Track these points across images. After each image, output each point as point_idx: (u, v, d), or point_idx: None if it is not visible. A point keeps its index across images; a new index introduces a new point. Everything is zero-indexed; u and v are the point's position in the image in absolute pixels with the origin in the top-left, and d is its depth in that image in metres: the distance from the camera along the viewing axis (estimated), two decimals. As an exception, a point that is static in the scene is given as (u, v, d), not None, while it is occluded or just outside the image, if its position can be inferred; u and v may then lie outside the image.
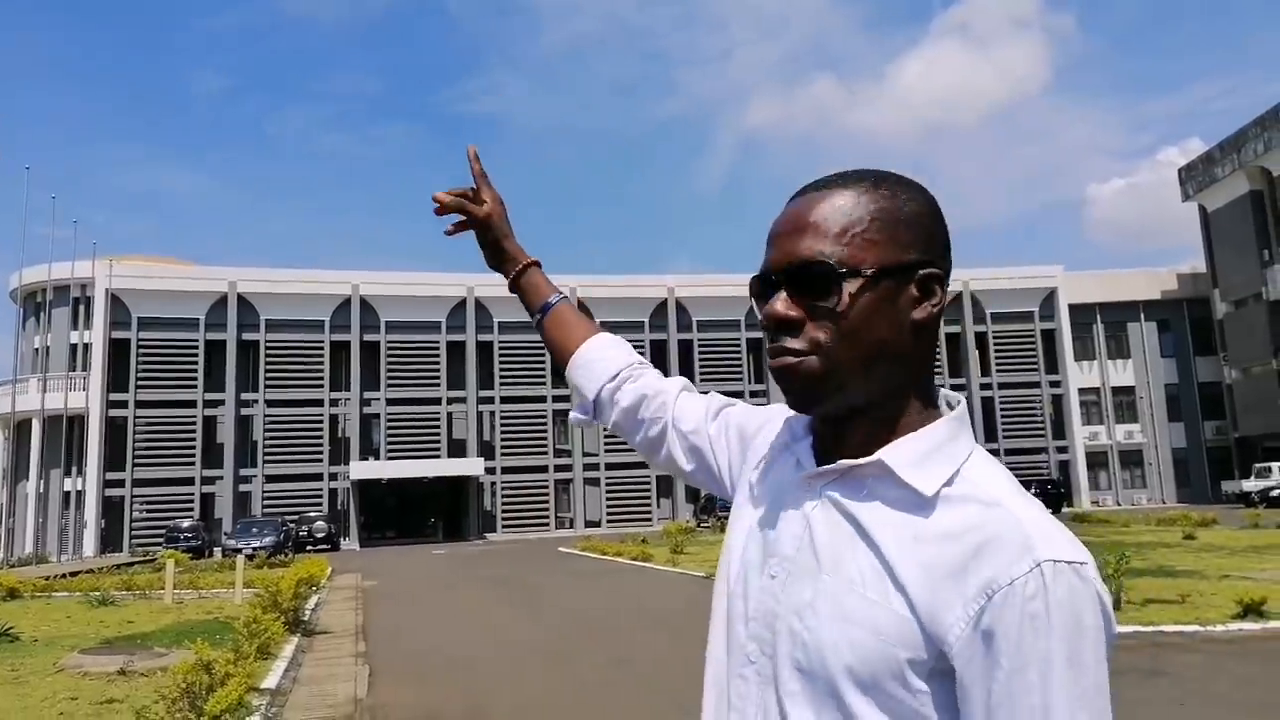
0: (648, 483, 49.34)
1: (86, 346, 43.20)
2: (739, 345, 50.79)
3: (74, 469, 41.87)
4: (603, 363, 1.32)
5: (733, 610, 0.96)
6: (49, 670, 8.87)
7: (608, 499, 48.67)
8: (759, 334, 51.01)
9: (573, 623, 12.13)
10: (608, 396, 1.31)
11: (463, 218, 1.41)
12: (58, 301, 42.90)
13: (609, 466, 48.76)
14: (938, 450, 0.88)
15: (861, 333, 0.88)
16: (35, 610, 14.57)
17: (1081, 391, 51.14)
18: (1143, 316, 52.95)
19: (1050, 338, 51.27)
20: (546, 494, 47.99)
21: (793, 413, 1.01)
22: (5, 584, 17.17)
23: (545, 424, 48.36)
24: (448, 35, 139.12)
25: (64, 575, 22.48)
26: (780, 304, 0.91)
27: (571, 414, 1.41)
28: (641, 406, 1.27)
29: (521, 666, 9.00)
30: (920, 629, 0.81)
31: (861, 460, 0.89)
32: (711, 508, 43.64)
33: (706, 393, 1.27)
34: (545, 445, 48.36)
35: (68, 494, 41.77)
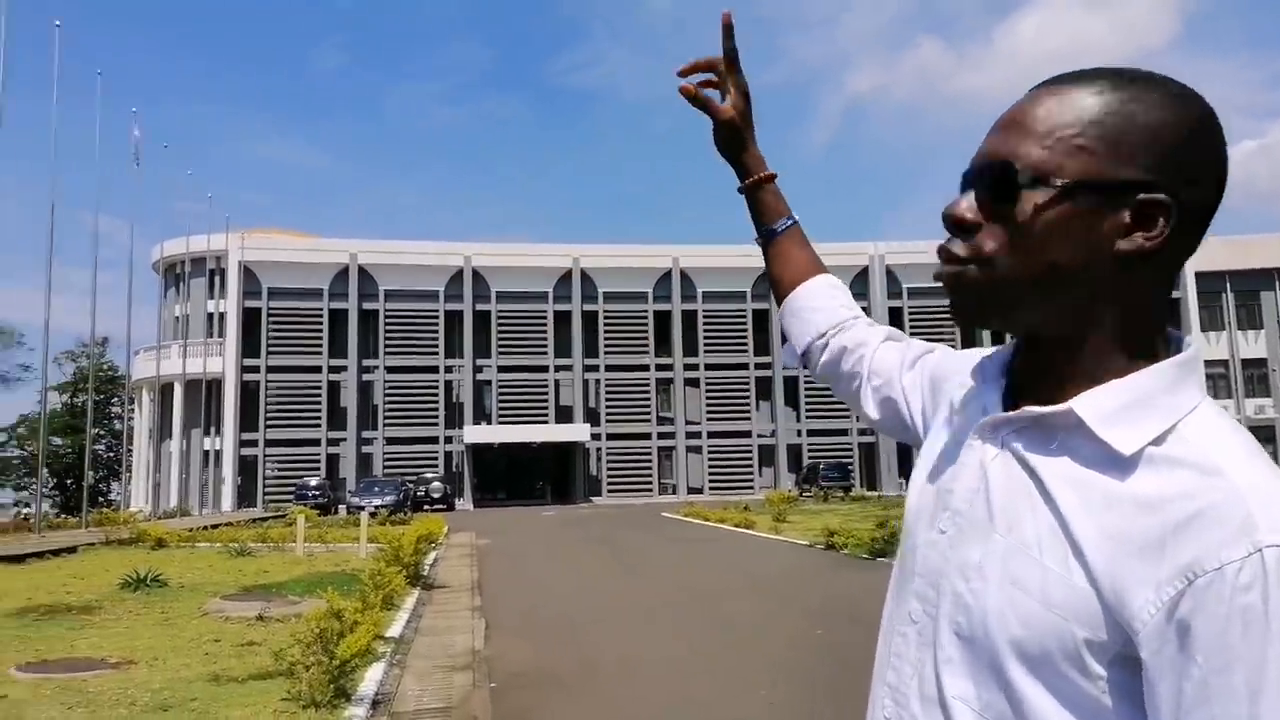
0: (750, 451, 49.29)
1: (222, 315, 45.92)
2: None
3: (212, 429, 44.72)
4: (814, 313, 1.25)
5: (904, 564, 0.89)
6: (194, 614, 9.62)
7: (710, 466, 48.86)
8: (865, 302, 50.04)
9: (676, 586, 12.35)
10: (816, 350, 1.24)
11: (711, 85, 1.27)
12: (195, 272, 45.62)
13: (711, 434, 48.90)
14: (1146, 402, 0.75)
15: (1037, 250, 0.76)
16: (180, 559, 15.76)
17: (1208, 364, 48.27)
18: (1278, 285, 49.50)
19: (1175, 307, 48.47)
20: (650, 460, 48.52)
21: (991, 351, 0.91)
22: (154, 534, 18.62)
23: (648, 391, 48.79)
24: (554, 5, 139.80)
25: (205, 528, 24.15)
26: (963, 204, 0.81)
27: (784, 353, 1.35)
28: (843, 360, 1.20)
29: (628, 625, 9.26)
30: (1102, 606, 0.70)
31: (1050, 409, 0.77)
32: (814, 478, 43.28)
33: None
34: (649, 412, 48.84)
35: (207, 453, 44.69)
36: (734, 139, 1.29)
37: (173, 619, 9.31)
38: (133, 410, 46.95)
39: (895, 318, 49.89)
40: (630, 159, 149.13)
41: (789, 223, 1.31)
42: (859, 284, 50.30)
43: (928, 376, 1.07)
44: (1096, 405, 0.76)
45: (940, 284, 0.83)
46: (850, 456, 48.17)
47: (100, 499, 50.71)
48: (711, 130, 1.29)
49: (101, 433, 54.92)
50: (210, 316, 46.47)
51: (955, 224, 0.81)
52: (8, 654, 7.47)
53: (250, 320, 45.81)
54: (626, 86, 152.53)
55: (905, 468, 47.66)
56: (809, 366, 1.27)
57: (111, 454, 55.78)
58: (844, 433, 49.22)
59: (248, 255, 45.57)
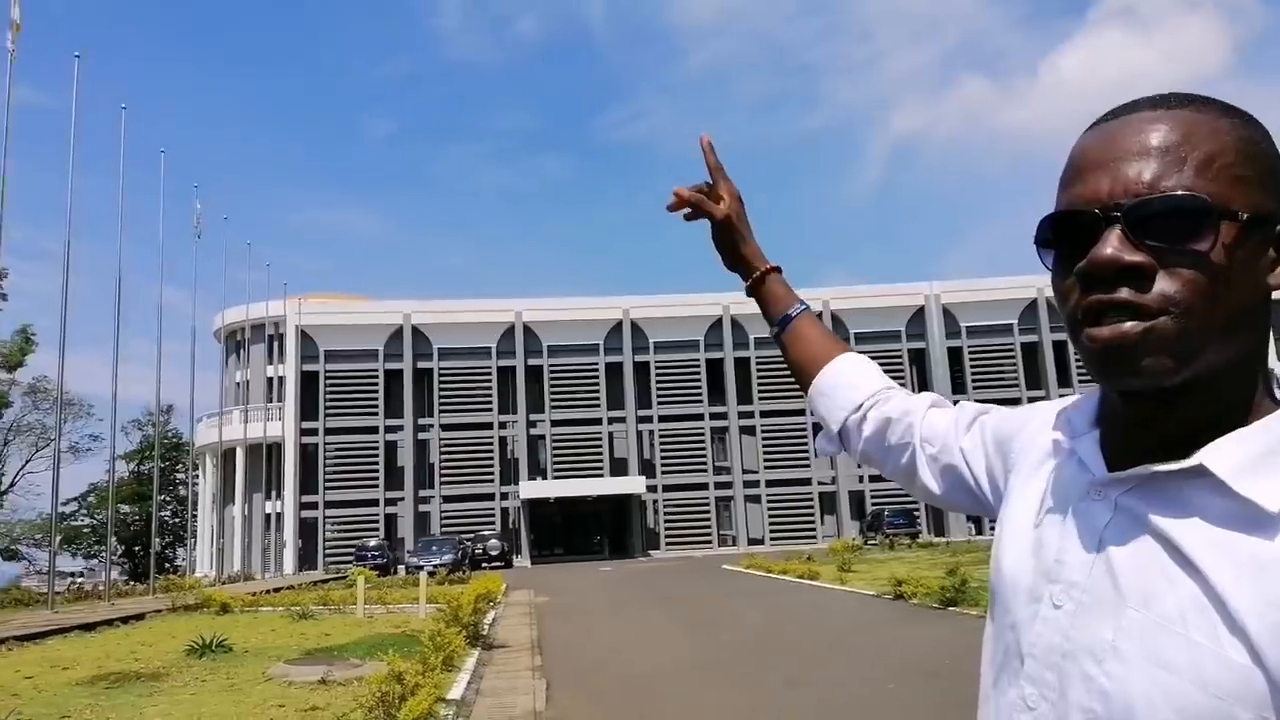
0: (810, 499, 48.48)
1: (280, 379, 46.94)
2: (900, 355, 49.24)
3: (273, 493, 45.47)
4: (847, 389, 1.16)
5: (1003, 642, 0.78)
6: (259, 679, 9.61)
7: (770, 516, 48.13)
8: (921, 344, 49.33)
9: (742, 641, 12.03)
10: (854, 426, 1.15)
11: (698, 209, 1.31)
12: (255, 339, 46.90)
13: (769, 483, 48.27)
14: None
15: (1230, 291, 0.67)
16: (244, 623, 15.85)
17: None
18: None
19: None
20: (708, 511, 48.00)
21: (1065, 404, 0.82)
22: (218, 600, 18.80)
23: (703, 441, 48.46)
24: (594, 67, 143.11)
25: (268, 591, 24.36)
26: (1116, 245, 0.68)
27: (818, 443, 1.25)
28: (888, 433, 1.10)
29: (693, 684, 9.00)
30: (1270, 684, 0.61)
31: (1178, 465, 0.68)
32: (879, 525, 42.30)
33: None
34: (705, 463, 48.44)
35: (268, 516, 45.39)
36: (731, 238, 1.30)
37: (238, 685, 9.30)
38: (196, 476, 47.95)
39: (955, 358, 49.12)
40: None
41: (801, 309, 1.28)
42: (915, 324, 49.70)
43: (989, 437, 0.98)
44: (1229, 457, 0.67)
45: (1081, 335, 0.72)
46: (915, 502, 47.08)
47: (167, 565, 51.69)
48: (710, 232, 1.32)
49: (167, 499, 56.18)
50: (270, 381, 47.52)
51: (1120, 270, 0.68)
52: (80, 723, 7.51)
53: (308, 383, 46.76)
54: (669, 139, 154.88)
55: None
56: (847, 447, 1.18)
57: (177, 520, 56.95)
58: (904, 477, 48.14)
59: (305, 320, 46.68)
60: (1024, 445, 0.88)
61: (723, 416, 48.97)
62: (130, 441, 57.38)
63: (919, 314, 49.91)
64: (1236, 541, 0.65)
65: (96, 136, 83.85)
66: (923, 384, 49.08)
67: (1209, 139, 0.70)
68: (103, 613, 18.43)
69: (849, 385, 1.18)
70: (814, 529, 47.77)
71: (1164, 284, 0.68)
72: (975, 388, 48.37)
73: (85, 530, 57.60)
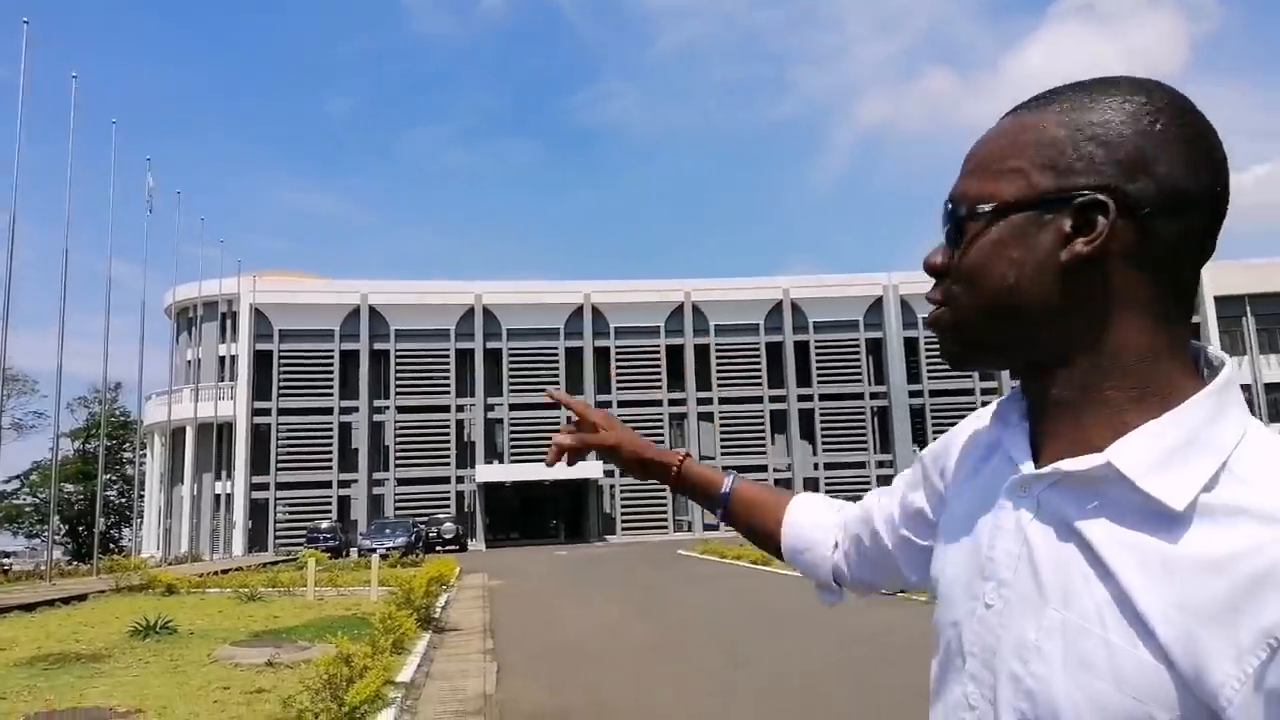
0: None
1: (233, 358, 46.09)
2: (858, 345, 49.76)
3: (223, 473, 44.73)
4: (815, 530, 1.15)
5: (945, 639, 0.79)
6: (204, 661, 9.47)
7: (726, 502, 48.48)
8: (879, 333, 49.93)
9: (692, 624, 12.13)
10: (840, 565, 1.12)
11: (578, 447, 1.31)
12: (207, 317, 45.93)
13: (726, 469, 48.34)
14: (1190, 441, 0.66)
15: (979, 279, 0.74)
16: (191, 605, 15.60)
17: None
18: (1299, 308, 49.34)
19: (1195, 332, 48.23)
20: (664, 497, 48.22)
21: (1006, 396, 0.84)
22: (164, 580, 18.47)
23: (662, 427, 48.62)
24: (564, 48, 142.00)
25: (216, 573, 23.98)
26: (936, 252, 0.79)
27: (821, 597, 1.19)
28: (861, 544, 1.07)
29: (643, 666, 9.05)
30: (1179, 684, 0.61)
31: (1085, 464, 0.68)
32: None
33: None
34: (661, 448, 48.57)
35: (218, 497, 44.67)
36: (634, 453, 1.30)
37: (182, 666, 9.16)
38: (144, 455, 46.91)
39: (911, 348, 49.72)
40: (642, 195, 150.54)
41: (731, 480, 1.26)
42: (873, 314, 50.22)
43: (929, 464, 0.95)
44: (1137, 454, 0.67)
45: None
46: (869, 489, 47.67)
47: (112, 545, 50.64)
48: (613, 459, 1.31)
49: (113, 478, 55.05)
50: (222, 360, 46.63)
51: (930, 271, 0.80)
52: (18, 704, 7.35)
53: (262, 363, 45.96)
54: (638, 122, 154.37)
55: (921, 500, 47.26)
56: (845, 583, 1.13)
57: (123, 500, 55.82)
58: (861, 465, 48.82)
59: (259, 298, 45.83)
60: (964, 448, 0.88)
61: (681, 403, 49.15)
62: (76, 419, 56.10)
63: (877, 304, 50.46)
64: (1146, 542, 0.65)
65: (45, 106, 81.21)
66: (879, 374, 49.71)
67: (1009, 138, 0.75)
68: (43, 593, 17.99)
69: (815, 526, 1.15)
70: (769, 515, 48.26)
71: (948, 281, 0.78)
72: (930, 377, 49.09)
73: (28, 509, 56.23)
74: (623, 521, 47.60)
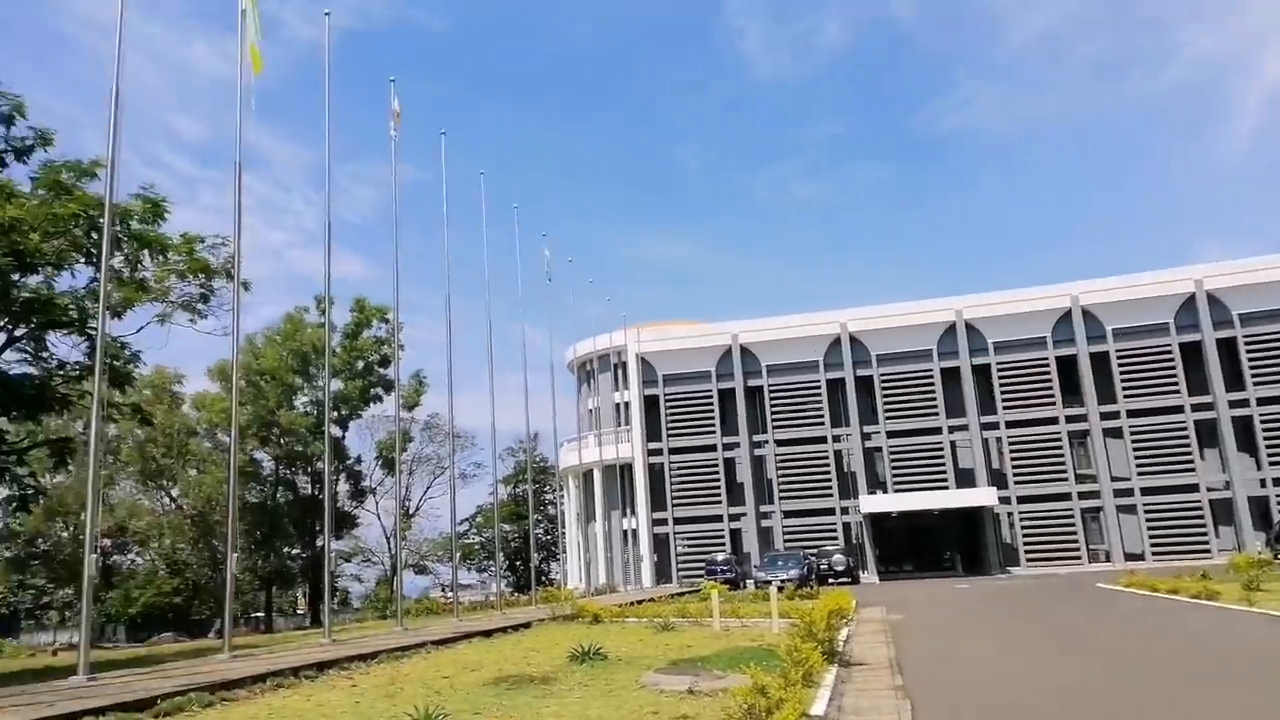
0: (1199, 508, 42.39)
1: (626, 404, 50.50)
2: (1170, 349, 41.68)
3: (627, 510, 48.90)
4: None
5: None
6: (633, 686, 10.35)
7: (1149, 528, 42.79)
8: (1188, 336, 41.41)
9: (1135, 672, 10.82)
10: None
11: None
12: (601, 368, 50.98)
13: (1145, 491, 42.95)
14: None
15: None
16: (614, 633, 17.15)
17: None
18: None
19: None
20: (1072, 524, 43.79)
21: None
22: (590, 610, 20.53)
23: (1060, 446, 44.38)
24: (906, 64, 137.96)
25: (631, 603, 26.13)
26: None
27: None
28: None
29: (1071, 713, 8.27)
30: None
31: None
32: (1293, 535, 35.94)
33: None
34: (1064, 470, 44.27)
35: (625, 532, 48.82)
36: None
37: (615, 691, 10.09)
38: (562, 496, 52.93)
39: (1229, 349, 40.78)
40: (1008, 198, 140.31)
41: None
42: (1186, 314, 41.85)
43: None
44: None
45: None
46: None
47: (543, 577, 57.52)
48: None
49: (539, 518, 62.55)
50: (617, 407, 51.22)
51: None
52: (489, 719, 8.60)
53: (650, 407, 49.71)
54: (992, 124, 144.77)
55: None
56: None
57: (549, 536, 63.19)
58: (1325, 479, 40.55)
59: (643, 347, 49.77)
60: None
61: (1081, 419, 44.49)
62: (505, 467, 64.81)
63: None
64: None
65: (459, 199, 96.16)
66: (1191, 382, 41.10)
67: None
68: (496, 621, 20.91)
69: None
70: (1206, 542, 41.66)
71: None
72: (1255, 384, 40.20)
73: (475, 547, 65.78)
74: (1026, 551, 43.96)
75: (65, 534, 50.07)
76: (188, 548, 49.45)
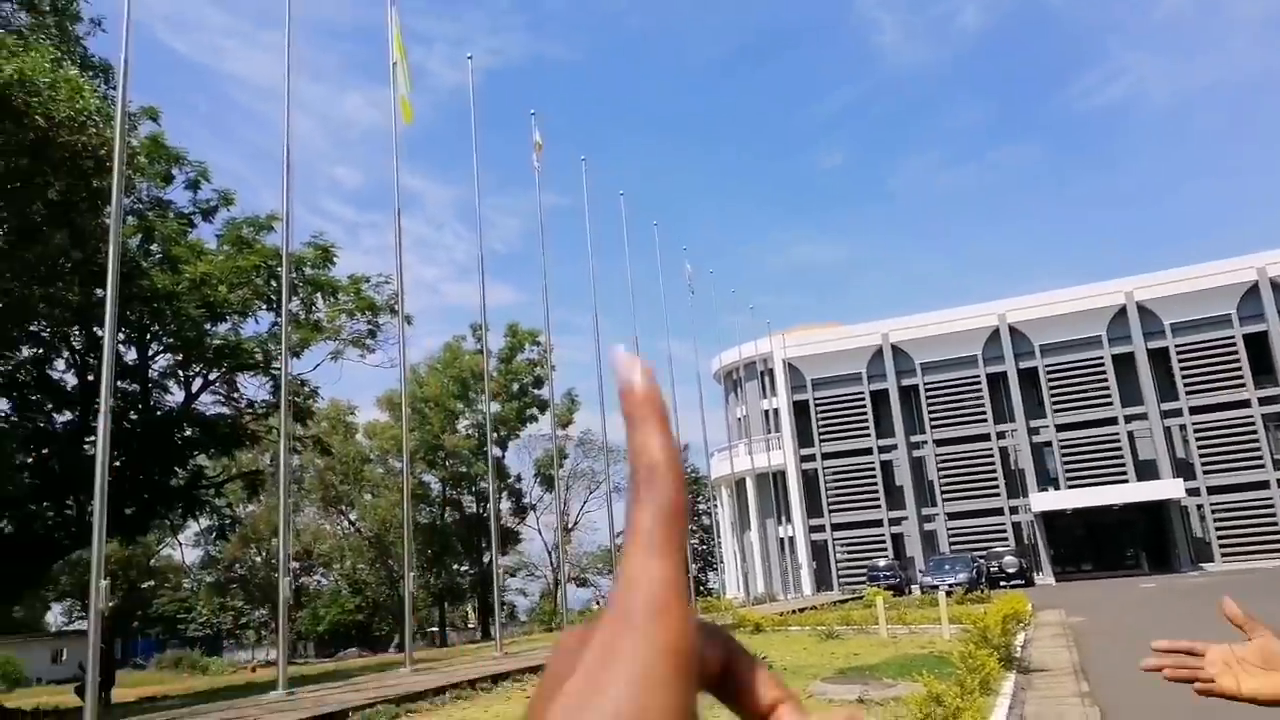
0: None
1: (775, 411, 50.04)
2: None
3: (783, 518, 48.36)
4: None
5: None
6: (802, 695, 10.25)
7: (1370, 516, 38.59)
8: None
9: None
10: None
11: None
12: (748, 376, 50.69)
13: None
14: None
15: None
16: (778, 642, 17.04)
17: None
18: None
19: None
20: (1273, 514, 40.05)
21: None
22: (751, 620, 20.46)
23: (1254, 432, 40.72)
24: (1053, 39, 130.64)
25: (792, 612, 25.86)
26: None
27: None
28: None
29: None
30: None
31: None
32: None
33: None
34: (1260, 457, 40.56)
35: (781, 540, 48.30)
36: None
37: (783, 700, 10.05)
38: (716, 506, 52.94)
39: None
40: (1176, 170, 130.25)
41: None
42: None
43: None
44: None
45: None
46: None
47: (701, 588, 57.60)
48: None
49: (694, 529, 62.81)
50: (766, 414, 50.82)
51: None
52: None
53: (800, 412, 49.01)
54: (1153, 91, 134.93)
55: None
56: None
57: (704, 547, 63.32)
58: None
59: (790, 353, 49.20)
60: None
61: (1277, 400, 40.70)
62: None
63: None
64: None
65: (601, 221, 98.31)
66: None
67: None
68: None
69: None
70: None
71: None
72: None
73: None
74: (1220, 545, 40.53)
75: (259, 559, 54.37)
76: (366, 568, 52.64)
